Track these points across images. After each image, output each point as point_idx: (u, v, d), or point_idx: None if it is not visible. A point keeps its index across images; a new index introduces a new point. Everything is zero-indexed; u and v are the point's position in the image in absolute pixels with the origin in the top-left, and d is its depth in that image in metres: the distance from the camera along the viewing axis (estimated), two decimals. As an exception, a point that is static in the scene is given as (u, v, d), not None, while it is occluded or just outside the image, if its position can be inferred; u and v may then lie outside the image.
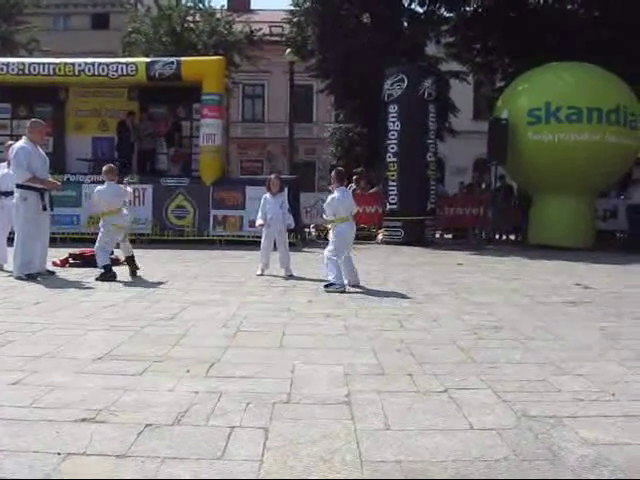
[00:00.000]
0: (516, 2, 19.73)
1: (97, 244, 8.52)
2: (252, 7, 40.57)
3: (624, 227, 17.39)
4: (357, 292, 7.60)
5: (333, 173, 8.43)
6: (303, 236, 16.23)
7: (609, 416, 3.20)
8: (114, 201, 8.61)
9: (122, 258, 9.35)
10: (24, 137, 8.32)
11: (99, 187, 8.76)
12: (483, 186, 21.06)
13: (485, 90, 28.60)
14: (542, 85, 15.25)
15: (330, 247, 7.89)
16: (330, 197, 7.99)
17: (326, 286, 7.66)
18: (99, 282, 8.00)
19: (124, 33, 28.74)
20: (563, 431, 2.97)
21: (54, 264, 9.37)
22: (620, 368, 4.17)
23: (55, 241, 11.07)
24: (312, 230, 18.60)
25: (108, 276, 8.19)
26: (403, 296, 7.36)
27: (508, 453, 2.70)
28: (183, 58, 15.86)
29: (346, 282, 7.79)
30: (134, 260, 8.74)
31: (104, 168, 8.91)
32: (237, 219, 14.70)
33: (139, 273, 8.73)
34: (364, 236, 16.78)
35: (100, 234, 8.55)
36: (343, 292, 7.48)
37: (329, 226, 8.66)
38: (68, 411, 3.12)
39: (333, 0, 20.26)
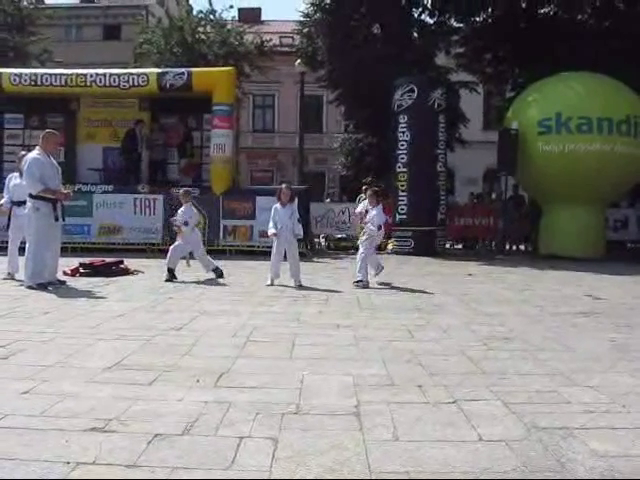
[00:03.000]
0: (526, 12, 19.74)
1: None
2: (263, 18, 40.68)
3: (635, 237, 17.33)
4: (367, 302, 7.61)
5: (369, 192, 9.86)
6: (313, 246, 16.25)
7: (619, 428, 3.19)
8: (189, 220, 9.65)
9: (132, 268, 10.06)
10: (37, 147, 8.35)
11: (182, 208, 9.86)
12: (493, 196, 21.03)
13: (495, 100, 28.61)
14: (552, 95, 15.25)
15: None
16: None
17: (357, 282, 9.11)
18: (111, 292, 8.07)
19: (135, 44, 28.86)
20: (573, 443, 2.96)
21: (65, 274, 9.42)
22: (631, 379, 4.15)
23: (66, 251, 11.12)
24: (322, 240, 18.63)
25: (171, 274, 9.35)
26: (413, 306, 7.35)
27: (517, 465, 2.70)
28: (194, 69, 15.93)
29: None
30: (218, 269, 9.77)
31: (180, 192, 10.15)
32: (247, 229, 14.73)
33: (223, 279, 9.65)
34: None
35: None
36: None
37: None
38: (78, 420, 3.14)
39: (343, 11, 20.28)
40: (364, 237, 9.53)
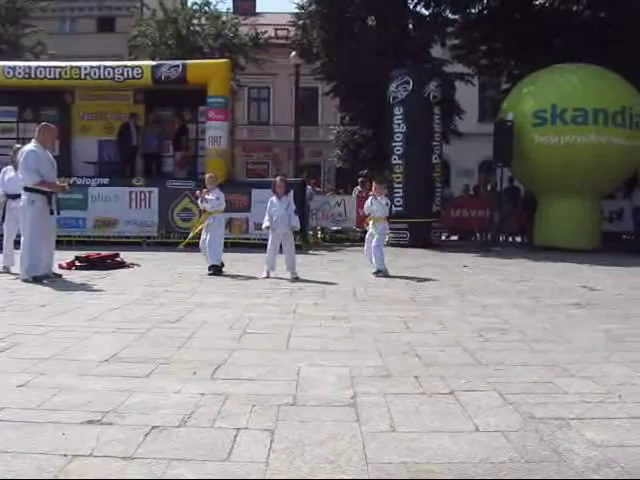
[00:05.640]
0: (521, 3, 19.70)
1: (210, 240, 9.31)
2: (258, 10, 40.55)
3: (630, 229, 17.35)
4: (363, 294, 7.62)
5: (374, 183, 10.48)
6: (306, 238, 16.22)
7: (615, 418, 3.20)
8: (220, 203, 9.62)
9: (128, 261, 10.22)
10: (34, 140, 8.30)
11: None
12: (489, 188, 21.04)
13: (491, 92, 28.60)
14: (548, 87, 15.25)
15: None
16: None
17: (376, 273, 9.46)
18: (107, 285, 8.06)
19: (130, 36, 28.79)
20: (569, 433, 2.97)
21: (60, 267, 9.39)
22: (626, 370, 4.16)
23: (61, 244, 11.08)
24: (318, 232, 18.60)
25: (217, 269, 9.28)
26: (409, 298, 7.36)
27: (514, 455, 2.71)
28: (189, 61, 15.90)
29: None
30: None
31: (207, 176, 10.17)
32: (243, 222, 14.72)
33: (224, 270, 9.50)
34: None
35: (213, 231, 9.37)
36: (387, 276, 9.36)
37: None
38: (75, 413, 3.14)
39: (338, 3, 20.23)
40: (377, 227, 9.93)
